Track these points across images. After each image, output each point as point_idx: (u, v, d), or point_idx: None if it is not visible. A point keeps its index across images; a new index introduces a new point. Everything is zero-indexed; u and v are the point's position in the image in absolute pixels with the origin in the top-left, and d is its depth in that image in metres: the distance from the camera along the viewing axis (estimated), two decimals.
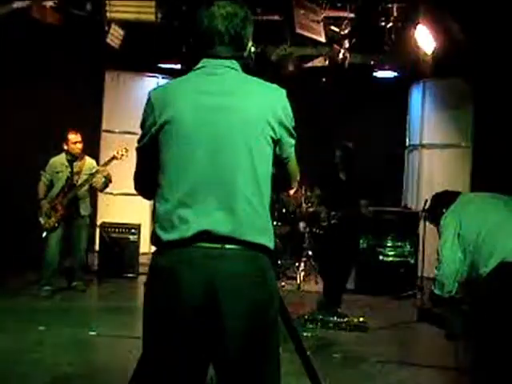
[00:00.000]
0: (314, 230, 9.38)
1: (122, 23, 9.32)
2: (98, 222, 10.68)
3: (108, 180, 8.67)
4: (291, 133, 2.89)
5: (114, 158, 8.55)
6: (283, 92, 2.91)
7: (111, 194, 10.93)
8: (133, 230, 10.07)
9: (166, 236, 2.71)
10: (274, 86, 2.95)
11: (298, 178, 3.12)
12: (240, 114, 2.75)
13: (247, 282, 2.69)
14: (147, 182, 2.89)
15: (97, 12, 9.26)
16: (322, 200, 8.85)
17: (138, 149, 2.94)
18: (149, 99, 2.85)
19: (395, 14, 8.96)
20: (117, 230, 10.11)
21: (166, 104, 2.77)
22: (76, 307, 8.20)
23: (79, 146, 8.57)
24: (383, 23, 9.11)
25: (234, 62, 2.89)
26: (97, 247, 10.60)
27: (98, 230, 10.45)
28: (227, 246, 2.67)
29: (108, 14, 9.02)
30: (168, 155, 2.76)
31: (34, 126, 9.49)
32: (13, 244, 9.08)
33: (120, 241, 10.01)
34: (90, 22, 9.29)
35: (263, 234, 2.76)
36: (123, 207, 11.12)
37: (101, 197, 11.19)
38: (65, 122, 8.72)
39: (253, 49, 3.10)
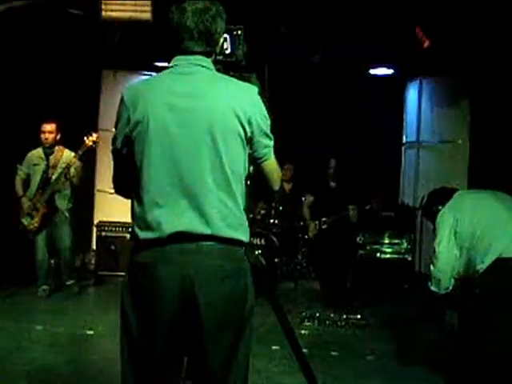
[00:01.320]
0: (306, 236, 9.42)
1: (118, 22, 9.32)
2: (95, 221, 10.66)
3: (78, 172, 8.39)
4: (265, 132, 2.91)
5: (85, 146, 8.24)
6: (255, 90, 2.93)
7: (107, 192, 10.92)
8: (129, 229, 10.04)
9: (142, 234, 2.78)
10: (246, 84, 2.99)
11: (278, 180, 3.11)
12: (208, 115, 2.77)
13: (222, 275, 2.77)
14: (127, 183, 2.92)
15: (93, 11, 9.25)
16: (313, 206, 8.96)
17: (113, 151, 2.96)
18: (122, 98, 2.87)
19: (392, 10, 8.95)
20: (113, 228, 10.09)
21: (138, 104, 2.79)
22: (73, 306, 8.20)
23: (49, 136, 8.38)
24: (380, 19, 9.10)
25: (205, 59, 2.91)
26: (93, 246, 10.59)
27: (94, 229, 10.43)
28: (202, 243, 2.74)
29: (103, 13, 9.01)
30: (140, 156, 2.79)
31: (30, 123, 9.45)
32: (9, 243, 9.03)
33: (117, 240, 9.99)
34: (86, 20, 9.28)
35: (237, 230, 2.82)
36: (120, 206, 11.08)
37: (97, 195, 11.18)
38: (61, 121, 8.66)
39: (225, 45, 3.10)
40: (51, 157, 8.43)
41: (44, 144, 8.42)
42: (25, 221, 8.26)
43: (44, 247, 8.38)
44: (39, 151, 8.48)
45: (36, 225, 8.25)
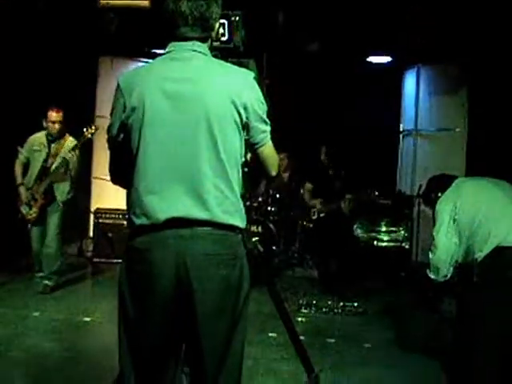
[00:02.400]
0: (305, 223, 9.42)
1: (116, 9, 9.28)
2: (92, 208, 10.66)
3: (75, 164, 8.09)
4: (261, 117, 2.90)
5: (84, 138, 8.02)
6: (251, 75, 2.92)
7: (104, 179, 10.91)
8: (126, 216, 10.01)
9: (138, 221, 2.80)
10: (242, 69, 2.99)
11: (276, 166, 3.10)
12: (203, 100, 2.76)
13: (218, 260, 2.77)
14: (123, 172, 2.91)
15: None
16: (314, 194, 8.97)
17: (109, 139, 2.96)
18: (118, 85, 2.87)
19: None
20: (110, 215, 10.08)
21: (134, 90, 2.79)
22: (70, 293, 8.20)
23: (57, 126, 8.10)
24: (378, 7, 9.07)
25: (200, 44, 2.91)
26: (91, 233, 10.61)
27: (91, 216, 10.43)
28: (198, 229, 2.74)
29: (101, 0, 8.97)
30: (136, 142, 2.79)
31: (27, 110, 9.43)
32: (6, 230, 9.00)
33: (114, 227, 9.99)
34: (83, 7, 9.24)
35: (233, 216, 2.82)
36: (116, 193, 11.07)
37: (95, 183, 11.17)
38: (58, 108, 8.59)
39: (221, 30, 3.09)
40: (53, 145, 8.18)
41: (51, 132, 8.14)
42: (23, 210, 8.09)
43: (39, 237, 8.18)
44: (42, 137, 8.22)
45: (34, 215, 8.07)
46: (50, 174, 8.04)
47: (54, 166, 8.05)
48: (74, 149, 7.98)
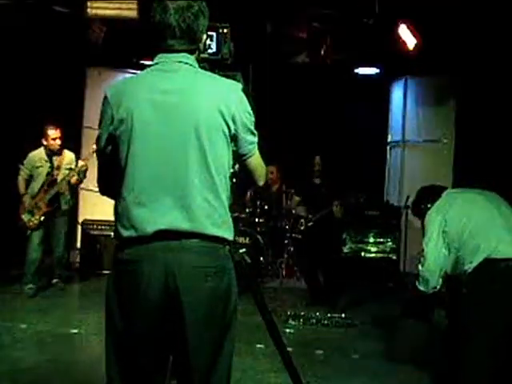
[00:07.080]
0: (294, 234, 9.42)
1: (104, 19, 9.26)
2: (80, 219, 10.62)
3: (83, 175, 8.64)
4: (249, 129, 2.90)
5: (94, 152, 8.38)
6: (239, 87, 2.92)
7: (92, 191, 10.88)
8: (114, 227, 10.00)
9: (126, 233, 2.78)
10: (230, 81, 2.98)
11: (263, 176, 3.10)
12: (192, 112, 2.76)
13: (206, 272, 2.76)
14: (112, 184, 2.89)
15: (78, 8, 9.19)
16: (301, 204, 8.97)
17: (97, 151, 2.96)
18: (105, 97, 2.85)
19: (378, 10, 8.95)
20: (98, 227, 10.06)
21: (121, 102, 2.78)
22: (58, 305, 8.16)
23: (58, 142, 8.51)
24: (366, 19, 9.09)
25: (187, 56, 2.90)
26: (78, 244, 10.57)
27: (79, 227, 10.40)
28: (186, 241, 2.73)
29: (89, 11, 8.95)
30: (124, 154, 2.78)
31: (15, 121, 9.42)
32: None
33: (102, 238, 9.96)
34: (71, 18, 9.22)
35: (221, 227, 2.81)
36: (104, 204, 11.02)
37: (82, 194, 11.13)
38: (46, 119, 8.64)
39: (208, 42, 3.10)
40: (54, 158, 8.59)
41: (52, 149, 8.55)
42: (25, 217, 8.36)
43: (38, 245, 8.43)
44: (41, 153, 8.60)
45: (36, 222, 8.36)
46: (57, 185, 8.45)
47: (60, 178, 8.48)
48: (71, 169, 8.57)
